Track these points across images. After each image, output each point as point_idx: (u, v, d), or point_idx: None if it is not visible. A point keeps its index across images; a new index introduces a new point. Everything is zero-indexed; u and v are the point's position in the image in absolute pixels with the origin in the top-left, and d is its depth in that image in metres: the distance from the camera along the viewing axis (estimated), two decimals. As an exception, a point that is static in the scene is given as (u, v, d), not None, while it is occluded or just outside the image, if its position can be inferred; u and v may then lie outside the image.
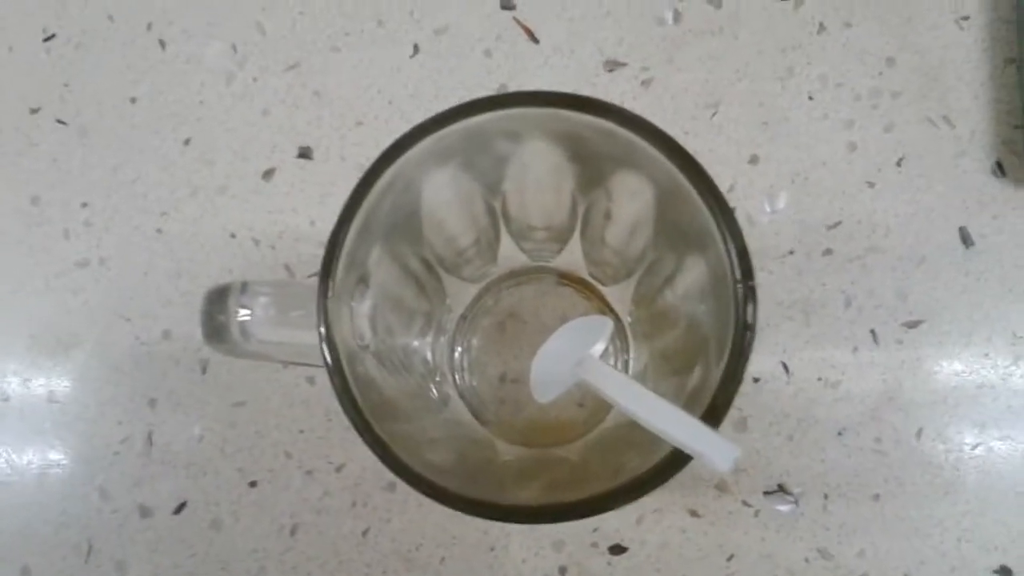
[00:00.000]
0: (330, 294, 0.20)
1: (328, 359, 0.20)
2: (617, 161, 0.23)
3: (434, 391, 0.30)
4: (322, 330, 0.20)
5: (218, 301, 0.23)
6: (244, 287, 0.23)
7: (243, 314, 0.23)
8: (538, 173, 0.25)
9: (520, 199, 0.28)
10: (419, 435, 0.25)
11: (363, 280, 0.23)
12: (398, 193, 0.22)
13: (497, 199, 0.28)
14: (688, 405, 0.21)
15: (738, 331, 0.19)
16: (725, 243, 0.20)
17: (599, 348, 0.27)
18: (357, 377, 0.21)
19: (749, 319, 0.19)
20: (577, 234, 0.30)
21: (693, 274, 0.23)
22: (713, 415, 0.19)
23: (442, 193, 0.25)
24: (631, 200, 0.24)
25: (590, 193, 0.26)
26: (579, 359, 0.26)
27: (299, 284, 0.28)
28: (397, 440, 0.21)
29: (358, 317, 0.23)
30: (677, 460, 0.19)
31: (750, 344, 0.19)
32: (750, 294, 0.20)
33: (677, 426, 0.19)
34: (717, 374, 0.20)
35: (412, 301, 0.28)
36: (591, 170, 0.24)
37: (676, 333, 0.26)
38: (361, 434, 0.20)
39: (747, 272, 0.20)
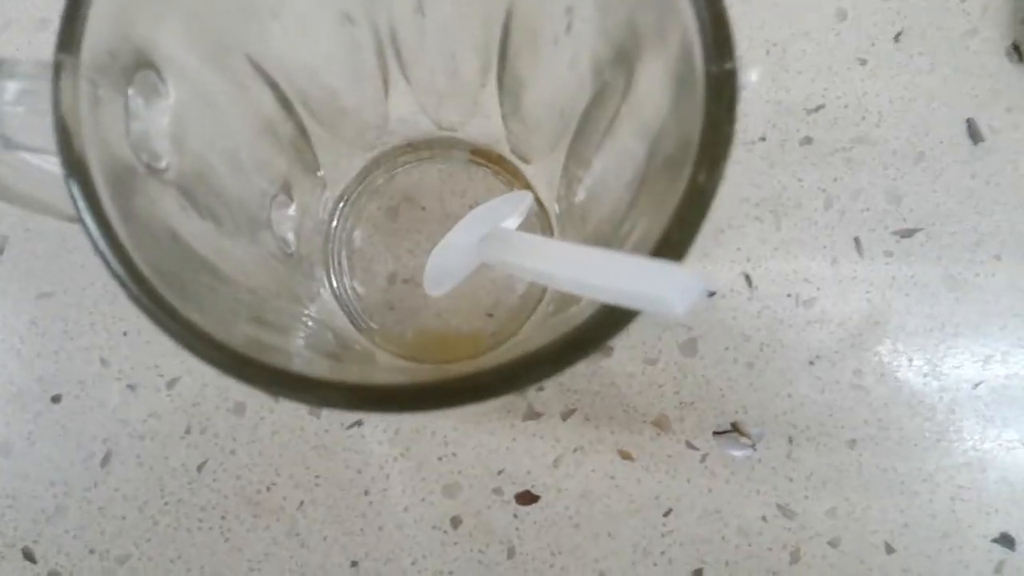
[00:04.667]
0: (70, 59, 0.13)
1: (63, 157, 0.13)
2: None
3: (293, 280, 0.23)
4: (53, 110, 0.13)
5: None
6: (-11, 67, 0.15)
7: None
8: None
9: (420, 18, 0.21)
10: (253, 314, 0.18)
11: (149, 65, 0.15)
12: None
13: (387, 14, 0.20)
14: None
15: (709, 126, 0.13)
16: (696, 8, 0.13)
17: (513, 222, 0.21)
18: (130, 209, 0.14)
19: (724, 112, 0.13)
20: (493, 82, 0.23)
21: (647, 93, 0.17)
22: (668, 250, 0.12)
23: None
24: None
25: (508, 3, 0.19)
26: (483, 235, 0.19)
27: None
28: (205, 308, 0.14)
29: (145, 119, 0.15)
30: (609, 318, 0.12)
31: (727, 142, 0.13)
32: (727, 80, 0.13)
33: (615, 271, 0.12)
34: (669, 209, 0.13)
35: (255, 146, 0.21)
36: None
37: (610, 198, 0.19)
38: (121, 281, 0.13)
39: (723, 49, 0.13)
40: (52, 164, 0.17)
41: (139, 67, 0.15)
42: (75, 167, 0.13)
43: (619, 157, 0.19)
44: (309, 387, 0.12)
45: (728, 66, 0.13)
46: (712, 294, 0.25)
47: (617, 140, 0.19)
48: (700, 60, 0.13)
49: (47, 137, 0.15)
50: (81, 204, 0.13)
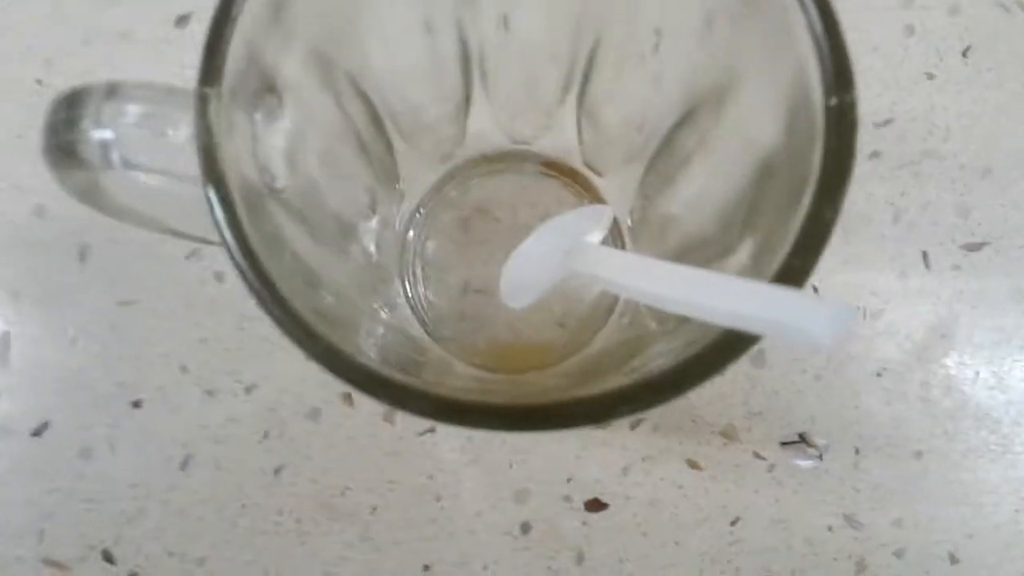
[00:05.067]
0: (213, 91, 0.13)
1: (208, 180, 0.13)
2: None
3: (376, 291, 0.23)
4: (199, 138, 0.13)
5: (71, 108, 0.16)
6: (112, 90, 0.16)
7: (105, 127, 0.15)
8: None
9: (505, 34, 0.21)
10: (348, 319, 0.18)
11: (272, 90, 0.16)
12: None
13: (474, 29, 0.21)
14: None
15: (830, 159, 0.13)
16: (814, 35, 0.13)
17: (597, 237, 0.21)
18: (259, 227, 0.14)
19: (844, 144, 0.13)
20: (573, 97, 0.23)
21: (750, 118, 0.17)
22: (789, 278, 0.13)
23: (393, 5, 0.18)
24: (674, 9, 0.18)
25: (598, 24, 0.20)
26: (568, 249, 0.19)
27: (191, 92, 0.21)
28: (318, 315, 0.15)
29: (266, 142, 0.16)
30: (729, 344, 0.13)
31: (848, 173, 0.13)
32: (848, 109, 0.13)
33: (735, 295, 0.12)
34: (785, 238, 0.14)
35: (351, 162, 0.21)
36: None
37: (704, 217, 0.20)
38: (253, 289, 0.13)
39: (844, 78, 0.13)
40: (168, 190, 0.17)
41: (264, 92, 0.15)
42: (218, 187, 0.13)
43: (713, 179, 0.19)
44: (405, 393, 0.13)
45: (849, 98, 0.13)
46: (779, 306, 0.25)
47: (711, 161, 0.19)
48: (818, 91, 0.14)
49: (166, 159, 0.16)
50: (222, 221, 0.13)
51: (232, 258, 0.13)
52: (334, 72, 0.18)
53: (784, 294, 0.12)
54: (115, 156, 0.15)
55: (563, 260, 0.19)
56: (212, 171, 0.13)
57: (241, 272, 0.13)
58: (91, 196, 0.17)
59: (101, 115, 0.15)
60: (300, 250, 0.17)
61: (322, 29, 0.16)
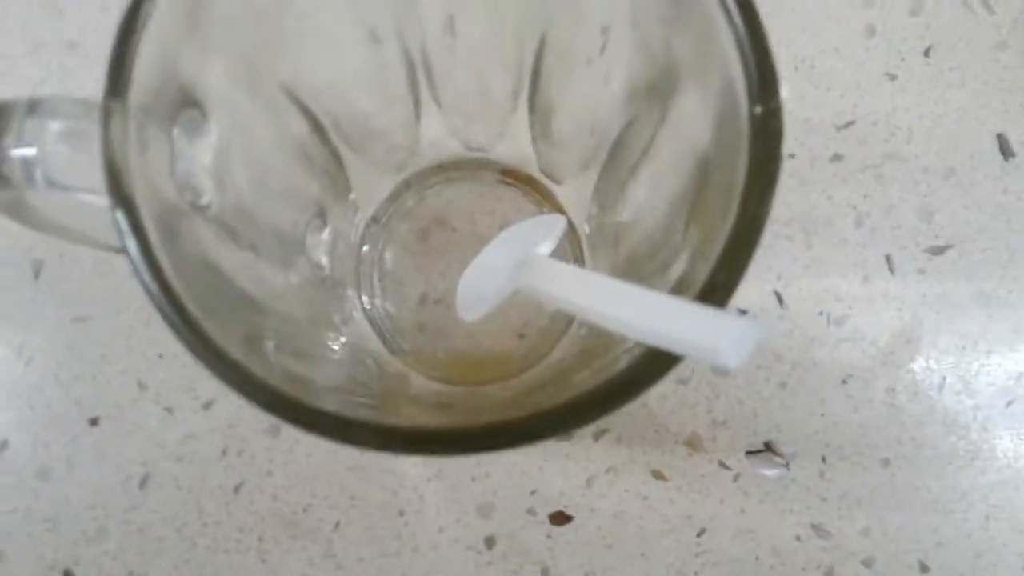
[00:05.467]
0: (117, 105, 0.13)
1: (113, 200, 0.13)
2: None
3: (329, 305, 0.23)
4: (103, 154, 0.13)
5: (-8, 126, 0.15)
6: (34, 106, 0.15)
7: (27, 144, 0.15)
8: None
9: (450, 39, 0.21)
10: (295, 340, 0.18)
11: (193, 104, 0.15)
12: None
13: (417, 34, 0.20)
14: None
15: (754, 167, 0.13)
16: (738, 43, 0.13)
17: (547, 248, 0.21)
18: (178, 250, 0.14)
19: (769, 152, 0.13)
20: (524, 103, 0.23)
21: (686, 122, 0.17)
22: (714, 294, 0.12)
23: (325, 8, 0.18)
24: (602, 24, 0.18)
25: (544, 26, 0.20)
26: (520, 261, 0.19)
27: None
28: (248, 341, 0.14)
29: (189, 158, 0.16)
30: (654, 362, 0.12)
31: (771, 182, 0.13)
32: (771, 118, 0.13)
33: (661, 313, 0.12)
34: (716, 246, 0.13)
35: (291, 174, 0.21)
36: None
37: (651, 224, 0.19)
38: (164, 314, 0.13)
39: (768, 88, 0.13)
40: (96, 207, 0.17)
41: (183, 106, 0.15)
42: (126, 210, 0.13)
43: (657, 183, 0.19)
44: (347, 428, 0.13)
45: (772, 105, 0.13)
46: (743, 312, 0.25)
47: (655, 166, 0.19)
48: (743, 98, 0.13)
49: (91, 176, 0.15)
50: (132, 247, 0.13)
51: (142, 281, 0.13)
52: (265, 84, 0.18)
53: (693, 311, 0.11)
54: (37, 174, 0.15)
55: (514, 272, 0.19)
56: (118, 190, 0.13)
57: (150, 295, 0.13)
58: (17, 212, 0.17)
59: (23, 132, 0.15)
60: (233, 271, 0.16)
61: (247, 39, 0.16)
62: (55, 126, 0.15)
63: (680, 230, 0.17)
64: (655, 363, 0.12)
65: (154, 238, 0.13)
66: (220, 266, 0.16)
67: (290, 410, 0.12)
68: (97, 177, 0.15)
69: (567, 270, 0.18)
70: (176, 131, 0.15)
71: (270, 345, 0.16)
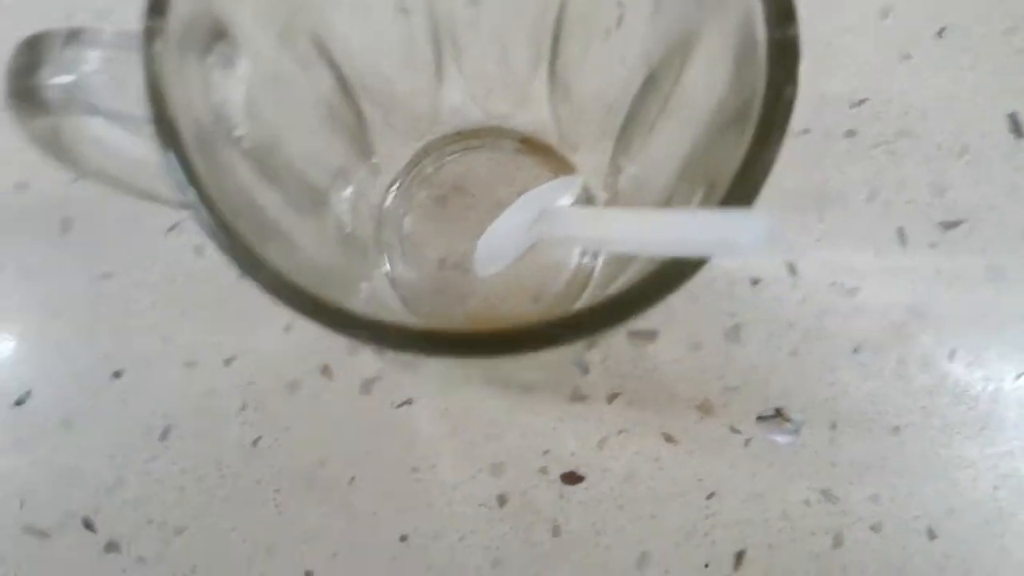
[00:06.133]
0: (159, 25, 0.14)
1: (155, 117, 0.14)
2: None
3: (351, 259, 0.24)
4: (146, 72, 0.14)
5: (32, 53, 0.16)
6: (73, 35, 0.16)
7: (66, 71, 0.16)
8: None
9: (474, 8, 0.22)
10: (323, 285, 0.19)
11: (224, 36, 0.16)
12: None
13: (441, 5, 0.21)
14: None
15: (772, 92, 0.13)
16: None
17: (563, 204, 0.21)
18: (218, 176, 0.15)
19: (786, 76, 0.13)
20: (544, 71, 0.23)
21: (702, 72, 0.17)
22: (737, 198, 0.13)
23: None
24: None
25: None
26: (537, 216, 0.20)
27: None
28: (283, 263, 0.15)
29: (222, 90, 0.16)
30: (674, 271, 0.13)
31: (789, 107, 0.13)
32: (790, 42, 0.13)
33: (677, 222, 0.13)
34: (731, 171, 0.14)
35: (316, 125, 0.21)
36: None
37: (667, 183, 0.20)
38: (210, 229, 0.13)
39: (786, 12, 0.14)
40: (131, 141, 0.18)
41: (217, 37, 0.16)
42: (167, 126, 0.14)
43: (670, 141, 0.19)
44: (380, 329, 0.13)
45: (791, 32, 0.14)
46: (756, 282, 0.26)
47: (669, 125, 0.19)
48: (762, 27, 0.14)
49: (130, 103, 0.16)
50: (172, 159, 0.13)
51: (181, 189, 0.13)
52: (296, 33, 0.18)
53: (715, 215, 0.12)
54: (76, 100, 0.16)
55: (531, 228, 0.20)
56: (160, 109, 0.14)
57: (192, 205, 0.13)
58: (54, 145, 0.17)
59: (62, 59, 0.16)
60: (267, 205, 0.17)
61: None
62: (94, 54, 0.16)
63: (700, 178, 0.17)
64: (678, 266, 0.13)
65: (194, 157, 0.14)
66: (255, 199, 0.17)
67: (328, 313, 0.13)
68: (135, 104, 0.15)
69: (582, 210, 0.19)
70: (211, 60, 0.16)
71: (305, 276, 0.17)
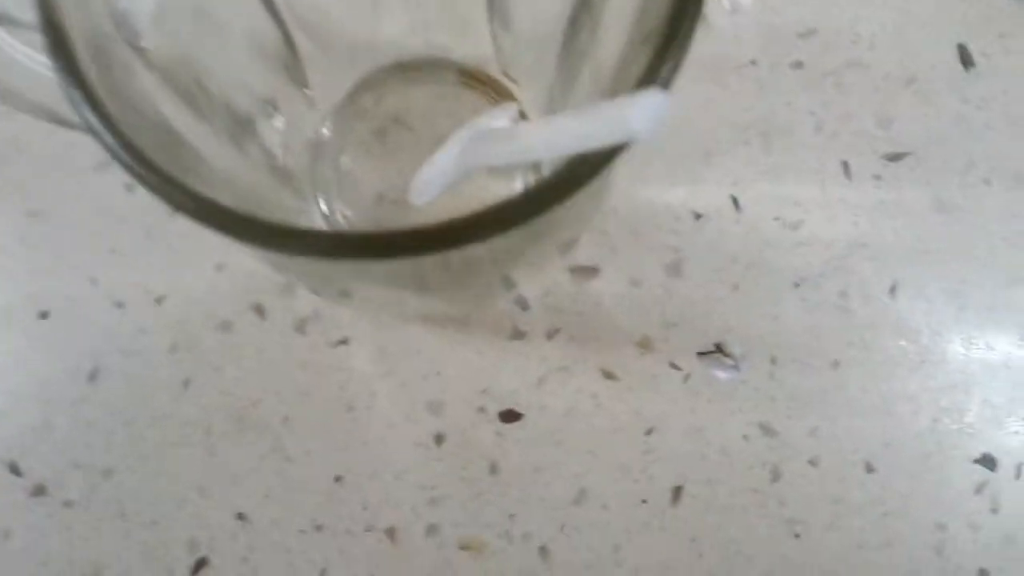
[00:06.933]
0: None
1: (42, 17, 0.13)
2: None
3: (281, 193, 0.23)
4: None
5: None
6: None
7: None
8: None
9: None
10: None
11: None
12: None
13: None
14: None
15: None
16: None
17: (498, 125, 0.21)
18: (117, 87, 0.14)
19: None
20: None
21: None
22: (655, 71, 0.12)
23: None
24: None
25: None
26: (472, 140, 0.19)
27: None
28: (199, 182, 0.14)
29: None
30: (583, 162, 0.12)
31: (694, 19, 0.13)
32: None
33: (581, 121, 0.12)
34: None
35: (238, 47, 0.20)
36: None
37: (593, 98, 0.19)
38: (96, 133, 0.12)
39: None
40: (40, 61, 0.17)
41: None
42: (56, 32, 0.13)
43: (600, 69, 0.19)
44: (306, 238, 0.12)
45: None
46: (698, 217, 0.25)
47: (599, 53, 0.19)
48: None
49: (23, 8, 0.15)
50: (60, 65, 0.13)
51: (68, 96, 0.13)
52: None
53: (611, 104, 0.11)
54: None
55: (467, 154, 0.19)
56: (47, 10, 0.13)
57: (80, 115, 0.12)
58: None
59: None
60: (185, 128, 0.16)
61: None
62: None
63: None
64: (590, 157, 0.12)
65: (86, 60, 0.13)
66: (168, 120, 0.16)
67: (242, 224, 0.12)
68: (28, 9, 0.14)
69: (505, 127, 0.18)
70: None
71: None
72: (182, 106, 0.17)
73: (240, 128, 0.21)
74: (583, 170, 0.13)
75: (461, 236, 0.13)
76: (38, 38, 0.17)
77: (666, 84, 0.13)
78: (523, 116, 0.24)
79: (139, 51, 0.16)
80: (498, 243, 0.13)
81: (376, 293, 0.21)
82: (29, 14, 0.15)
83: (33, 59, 0.17)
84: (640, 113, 0.10)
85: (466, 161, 0.19)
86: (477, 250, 0.13)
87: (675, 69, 0.13)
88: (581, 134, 0.12)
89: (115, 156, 0.13)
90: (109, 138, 0.13)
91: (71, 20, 0.13)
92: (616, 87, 0.16)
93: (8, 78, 0.18)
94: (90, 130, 0.13)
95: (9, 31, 0.17)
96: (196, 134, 0.17)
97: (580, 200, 0.13)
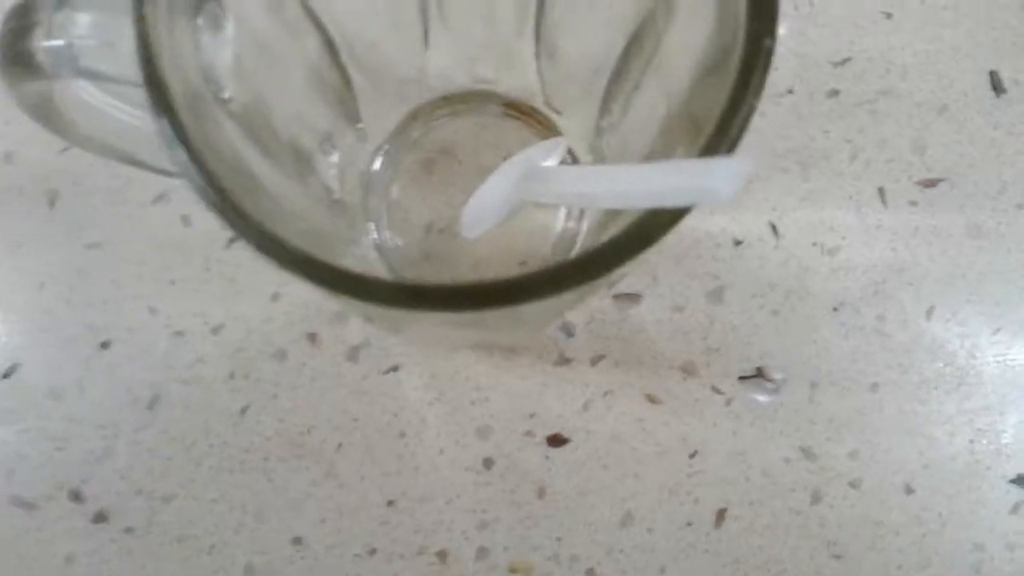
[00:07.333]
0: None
1: (146, 78, 0.14)
2: None
3: (338, 226, 0.24)
4: (136, 31, 0.14)
5: (23, 17, 0.16)
6: (62, 0, 0.16)
7: (57, 36, 0.16)
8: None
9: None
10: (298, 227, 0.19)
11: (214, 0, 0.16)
12: None
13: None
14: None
15: (751, 41, 0.13)
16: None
17: (548, 164, 0.21)
18: (208, 138, 0.15)
19: (766, 25, 0.13)
20: (530, 30, 0.23)
21: (684, 25, 0.17)
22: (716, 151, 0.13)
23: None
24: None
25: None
26: (522, 176, 0.20)
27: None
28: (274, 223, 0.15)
29: (212, 53, 0.16)
30: (652, 223, 0.13)
31: (768, 57, 0.13)
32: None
33: (656, 175, 0.13)
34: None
35: (302, 89, 0.21)
36: None
37: (649, 139, 0.20)
38: (199, 188, 0.13)
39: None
40: (121, 105, 0.18)
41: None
42: (159, 88, 0.14)
43: (653, 101, 0.19)
44: (368, 285, 0.13)
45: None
46: (738, 243, 0.26)
47: (652, 84, 0.19)
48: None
49: (121, 66, 0.16)
50: (164, 121, 0.13)
51: (170, 148, 0.13)
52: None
53: (690, 163, 0.12)
54: (67, 64, 0.16)
55: (517, 187, 0.20)
56: (151, 69, 0.13)
57: (180, 164, 0.13)
58: (45, 112, 0.17)
59: (53, 23, 0.16)
60: (258, 174, 0.17)
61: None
62: (84, 18, 0.16)
63: (677, 141, 0.18)
64: (656, 218, 0.13)
65: (185, 118, 0.14)
66: (247, 163, 0.17)
67: (316, 267, 0.13)
68: (127, 66, 0.15)
69: (566, 168, 0.19)
70: (200, 21, 0.16)
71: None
72: (256, 149, 0.18)
73: (303, 165, 0.22)
74: (655, 228, 0.13)
75: (530, 291, 0.13)
76: (122, 90, 0.18)
77: (745, 122, 0.13)
78: (570, 152, 0.25)
79: (222, 102, 0.17)
80: (566, 295, 0.14)
81: (433, 330, 0.22)
82: (113, 67, 0.16)
83: (119, 108, 0.18)
84: (727, 175, 0.11)
85: (522, 197, 0.20)
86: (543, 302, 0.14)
87: (751, 111, 0.13)
88: (658, 191, 0.12)
89: (216, 208, 0.13)
90: (214, 196, 0.13)
91: (171, 77, 0.14)
92: (683, 123, 0.17)
93: (91, 126, 0.19)
94: (186, 176, 0.13)
95: (94, 83, 0.18)
96: (268, 175, 0.18)
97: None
